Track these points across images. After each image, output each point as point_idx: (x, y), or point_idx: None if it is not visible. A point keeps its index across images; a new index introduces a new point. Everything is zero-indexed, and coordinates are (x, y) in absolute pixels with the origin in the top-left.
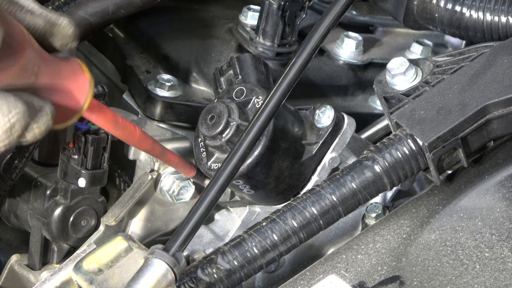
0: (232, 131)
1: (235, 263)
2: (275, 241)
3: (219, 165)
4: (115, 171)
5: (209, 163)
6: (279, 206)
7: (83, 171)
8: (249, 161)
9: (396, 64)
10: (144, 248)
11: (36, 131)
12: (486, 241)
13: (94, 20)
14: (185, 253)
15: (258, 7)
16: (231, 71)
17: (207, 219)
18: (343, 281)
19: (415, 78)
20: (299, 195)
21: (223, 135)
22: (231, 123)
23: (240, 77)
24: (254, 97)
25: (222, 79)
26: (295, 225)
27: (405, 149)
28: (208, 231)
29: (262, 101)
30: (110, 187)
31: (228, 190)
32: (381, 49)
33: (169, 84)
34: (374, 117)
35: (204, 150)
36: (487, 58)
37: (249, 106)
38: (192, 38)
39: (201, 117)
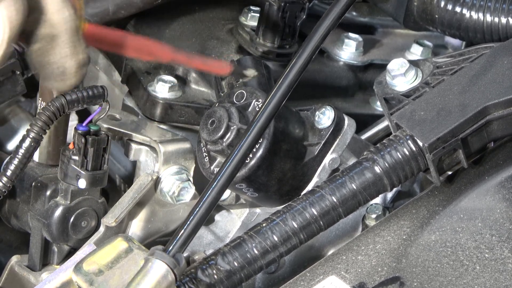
0: (232, 135)
1: (235, 264)
2: (275, 242)
3: None
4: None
5: (212, 167)
6: (280, 207)
7: (83, 172)
8: (250, 164)
9: (396, 65)
10: (144, 249)
11: None
12: (486, 242)
13: (94, 21)
14: (185, 254)
15: (258, 8)
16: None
17: (207, 220)
18: (343, 282)
19: (415, 79)
20: (299, 196)
21: (224, 140)
22: (232, 127)
23: (240, 80)
24: (254, 100)
25: (223, 83)
26: (295, 226)
27: (405, 150)
28: (209, 232)
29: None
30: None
31: (233, 193)
32: (381, 50)
33: (169, 85)
34: (374, 118)
35: (206, 155)
36: (487, 59)
37: (250, 109)
38: (192, 39)
39: (202, 122)
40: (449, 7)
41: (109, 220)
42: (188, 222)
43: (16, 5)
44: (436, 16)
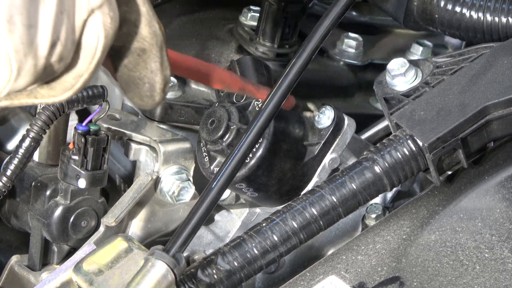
0: (232, 135)
1: (235, 264)
2: (275, 242)
3: None
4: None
5: (211, 167)
6: (280, 207)
7: (83, 172)
8: (250, 163)
9: (396, 65)
10: (144, 249)
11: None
12: (486, 241)
13: None
14: (185, 253)
15: (258, 8)
16: None
17: (207, 220)
18: (343, 281)
19: (415, 79)
20: (299, 196)
21: (224, 139)
22: (231, 127)
23: None
24: (254, 100)
25: None
26: (295, 226)
27: (405, 149)
28: (208, 231)
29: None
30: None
31: (233, 193)
32: (381, 50)
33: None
34: (374, 118)
35: (206, 154)
36: (487, 59)
37: (249, 109)
38: (192, 38)
39: (202, 121)
40: (449, 7)
41: (109, 220)
42: (188, 222)
43: (111, 13)
44: (436, 16)
